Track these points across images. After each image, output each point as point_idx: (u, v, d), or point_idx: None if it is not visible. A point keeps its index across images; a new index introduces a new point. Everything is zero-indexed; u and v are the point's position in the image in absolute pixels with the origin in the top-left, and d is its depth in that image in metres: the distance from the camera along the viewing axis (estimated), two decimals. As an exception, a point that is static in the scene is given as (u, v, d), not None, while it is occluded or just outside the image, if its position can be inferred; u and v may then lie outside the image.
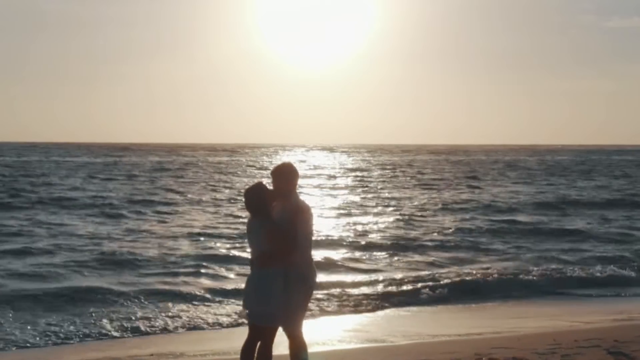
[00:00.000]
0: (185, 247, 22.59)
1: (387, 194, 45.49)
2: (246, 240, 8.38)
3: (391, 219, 31.62)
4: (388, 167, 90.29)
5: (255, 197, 8.25)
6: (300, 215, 8.15)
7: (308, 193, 45.93)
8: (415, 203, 39.60)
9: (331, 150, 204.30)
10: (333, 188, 51.32)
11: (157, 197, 39.82)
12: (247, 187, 8.47)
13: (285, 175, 8.32)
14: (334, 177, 66.27)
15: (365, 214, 34.04)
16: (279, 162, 8.67)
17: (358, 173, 73.98)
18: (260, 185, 8.36)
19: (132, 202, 36.45)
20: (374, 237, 26.04)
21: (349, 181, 59.92)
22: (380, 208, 36.62)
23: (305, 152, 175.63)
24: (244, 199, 8.38)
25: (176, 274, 18.26)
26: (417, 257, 22.08)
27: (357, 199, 42.40)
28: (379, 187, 52.59)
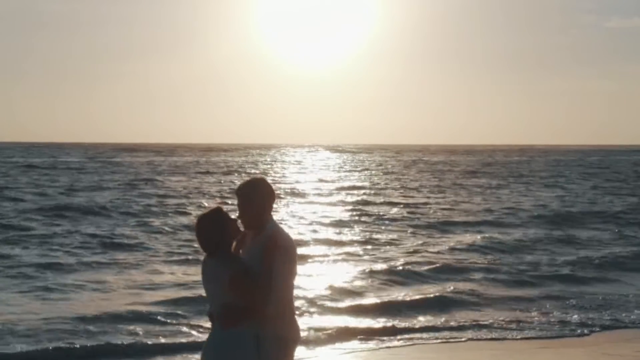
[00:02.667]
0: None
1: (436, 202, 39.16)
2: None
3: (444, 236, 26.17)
4: (417, 168, 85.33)
5: (211, 227, 5.98)
6: (276, 251, 5.87)
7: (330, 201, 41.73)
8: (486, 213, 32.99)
9: (335, 150, 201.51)
10: (351, 192, 46.67)
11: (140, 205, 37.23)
12: (201, 214, 6.14)
13: (255, 195, 6.04)
14: (351, 179, 62.63)
15: (401, 225, 28.79)
16: (247, 178, 6.33)
17: (388, 176, 68.13)
18: (218, 212, 6.06)
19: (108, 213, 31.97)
20: (411, 256, 21.15)
21: (372, 185, 53.81)
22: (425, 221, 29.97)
23: (308, 151, 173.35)
24: (195, 231, 6.09)
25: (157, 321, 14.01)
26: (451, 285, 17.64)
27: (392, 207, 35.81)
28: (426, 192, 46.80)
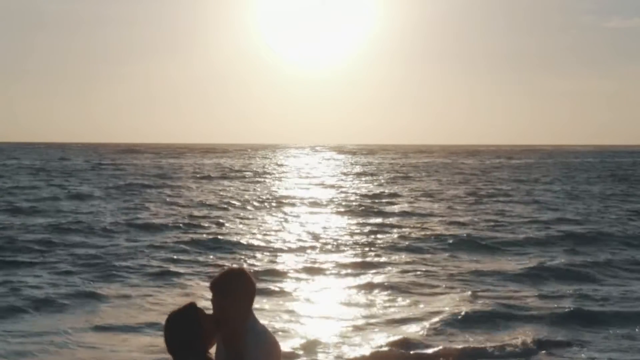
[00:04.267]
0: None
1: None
2: None
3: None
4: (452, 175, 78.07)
5: (182, 326, 4.98)
6: (257, 357, 4.78)
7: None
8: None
9: (340, 151, 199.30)
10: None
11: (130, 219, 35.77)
12: (172, 311, 5.03)
13: (233, 291, 5.01)
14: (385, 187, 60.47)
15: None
16: (224, 270, 5.23)
17: (407, 182, 63.42)
18: (191, 309, 4.98)
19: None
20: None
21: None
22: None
23: (313, 152, 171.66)
24: (164, 329, 5.02)
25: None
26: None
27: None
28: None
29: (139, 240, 26.01)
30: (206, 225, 30.50)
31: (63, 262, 21.52)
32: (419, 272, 20.66)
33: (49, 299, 16.65)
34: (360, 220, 33.17)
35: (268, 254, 23.28)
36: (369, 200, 43.38)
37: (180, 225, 30.30)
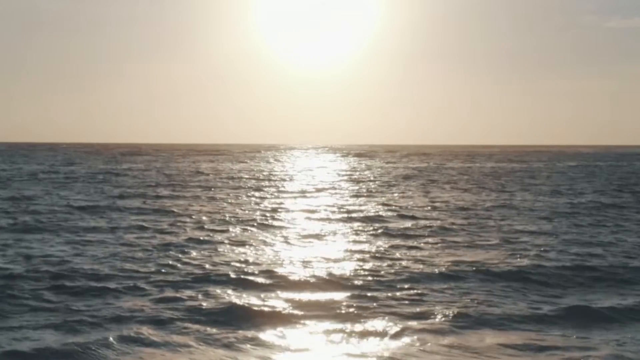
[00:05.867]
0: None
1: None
2: None
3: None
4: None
5: None
6: None
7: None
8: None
9: (344, 152, 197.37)
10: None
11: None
12: None
13: None
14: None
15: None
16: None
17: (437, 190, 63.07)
18: None
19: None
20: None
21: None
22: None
23: (316, 154, 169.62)
24: None
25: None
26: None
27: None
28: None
29: (130, 269, 22.79)
30: (203, 247, 27.32)
31: (50, 296, 19.28)
32: (456, 311, 17.13)
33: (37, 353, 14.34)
34: (375, 240, 29.59)
35: (264, 287, 19.91)
36: (382, 215, 39.82)
37: (179, 248, 27.08)
